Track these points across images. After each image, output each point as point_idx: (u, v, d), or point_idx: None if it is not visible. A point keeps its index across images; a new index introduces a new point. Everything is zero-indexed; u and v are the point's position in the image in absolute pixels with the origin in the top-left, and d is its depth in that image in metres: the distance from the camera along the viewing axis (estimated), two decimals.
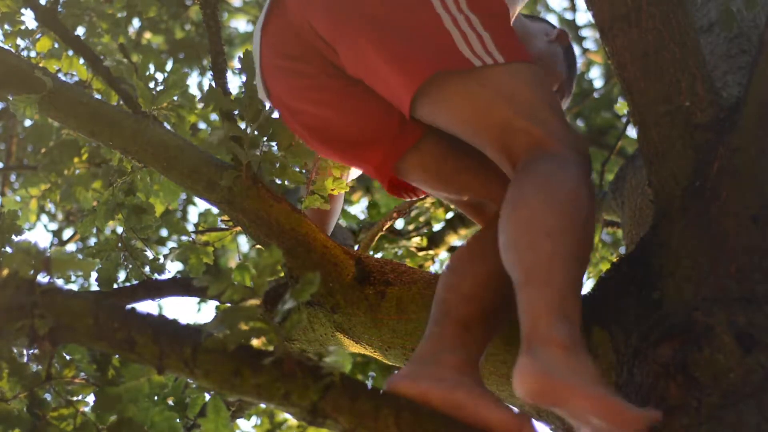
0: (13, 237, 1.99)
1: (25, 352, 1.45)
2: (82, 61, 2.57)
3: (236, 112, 1.82)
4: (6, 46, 2.31)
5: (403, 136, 1.75)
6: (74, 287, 3.50)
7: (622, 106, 3.14)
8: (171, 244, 4.74)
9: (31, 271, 1.23)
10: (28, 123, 3.95)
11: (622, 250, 3.25)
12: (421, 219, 3.70)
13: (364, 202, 4.60)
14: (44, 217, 4.62)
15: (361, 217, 4.18)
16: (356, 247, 2.69)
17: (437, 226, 3.73)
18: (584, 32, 5.90)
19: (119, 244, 2.24)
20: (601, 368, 1.51)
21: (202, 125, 4.06)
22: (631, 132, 4.05)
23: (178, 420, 1.56)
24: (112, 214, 2.21)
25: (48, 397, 1.53)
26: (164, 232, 4.67)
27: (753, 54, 1.76)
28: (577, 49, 6.03)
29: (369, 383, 1.29)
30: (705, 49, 2.06)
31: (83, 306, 1.25)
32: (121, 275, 2.32)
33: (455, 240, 3.75)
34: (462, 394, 1.35)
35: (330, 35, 1.74)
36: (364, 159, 1.81)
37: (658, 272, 1.50)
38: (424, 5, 1.67)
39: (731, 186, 1.48)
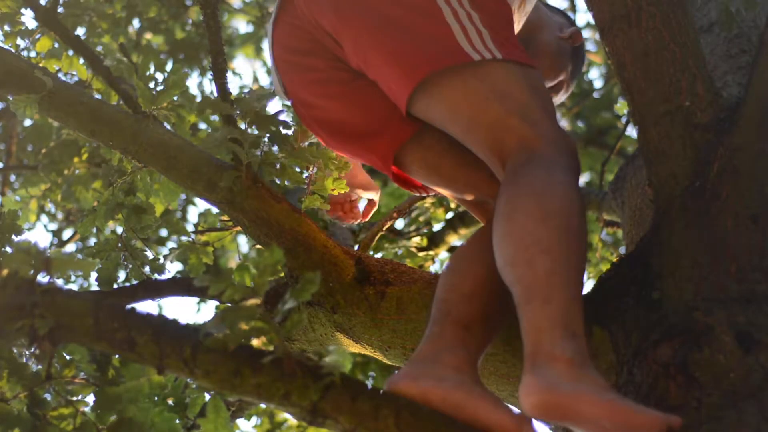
0: (13, 237, 1.99)
1: (25, 352, 1.45)
2: (82, 61, 2.57)
3: (237, 113, 1.82)
4: (6, 46, 2.30)
5: (405, 126, 1.77)
6: (74, 287, 3.50)
7: (622, 106, 3.14)
8: (171, 244, 4.74)
9: (31, 271, 1.23)
10: (28, 123, 3.95)
11: (622, 250, 3.25)
12: (421, 219, 3.71)
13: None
14: (44, 217, 4.62)
15: None
16: (356, 247, 2.69)
17: (437, 226, 3.73)
18: (584, 33, 5.90)
19: (119, 244, 2.24)
20: (601, 368, 1.51)
21: (202, 125, 4.06)
22: (631, 132, 4.05)
23: (178, 420, 1.56)
24: (112, 214, 2.21)
25: (48, 397, 1.52)
26: (164, 232, 4.67)
27: (753, 54, 1.76)
28: None
29: (369, 383, 1.28)
30: (705, 49, 2.06)
31: (83, 306, 1.25)
32: (121, 275, 2.32)
33: (455, 240, 3.75)
34: (462, 394, 1.35)
35: (334, 30, 1.77)
36: (370, 149, 1.83)
37: (658, 272, 1.50)
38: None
39: (731, 186, 1.48)
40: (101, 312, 1.25)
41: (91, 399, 1.53)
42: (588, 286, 4.60)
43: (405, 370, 1.42)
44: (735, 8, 2.14)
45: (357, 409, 1.24)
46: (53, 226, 4.94)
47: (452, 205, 3.79)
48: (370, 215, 2.23)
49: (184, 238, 2.38)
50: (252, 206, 1.87)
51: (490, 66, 1.61)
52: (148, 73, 2.07)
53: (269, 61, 1.95)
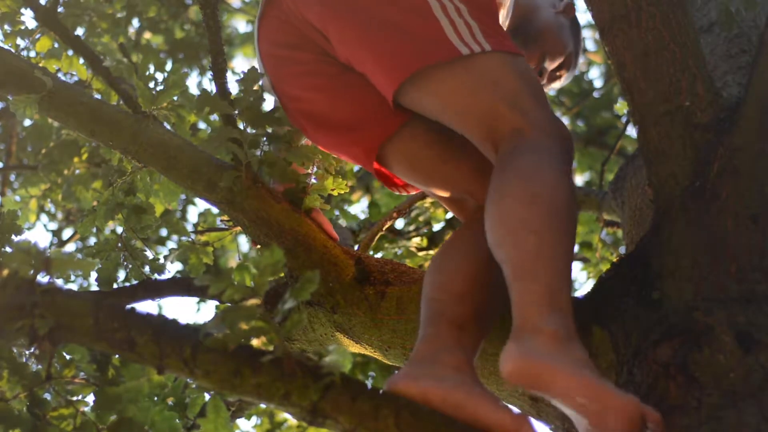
0: (13, 237, 1.99)
1: (25, 352, 1.45)
2: (82, 61, 2.57)
3: (236, 113, 1.82)
4: (6, 46, 2.30)
5: (390, 120, 1.78)
6: (74, 287, 3.51)
7: (622, 106, 3.14)
8: (171, 244, 4.74)
9: (31, 271, 1.23)
10: (28, 123, 3.95)
11: (622, 250, 3.25)
12: (421, 219, 3.70)
13: (364, 202, 4.60)
14: (44, 217, 4.62)
15: (361, 217, 4.18)
16: (356, 247, 2.69)
17: (437, 226, 3.73)
18: (584, 33, 5.90)
19: (119, 244, 2.24)
20: (602, 368, 1.51)
21: (202, 125, 4.06)
22: (631, 132, 4.05)
23: (178, 420, 1.56)
24: (112, 214, 2.21)
25: (48, 397, 1.53)
26: (164, 232, 4.67)
27: (753, 54, 1.76)
28: None
29: (369, 383, 1.28)
30: (705, 49, 2.06)
31: (83, 306, 1.25)
32: (121, 275, 2.32)
33: None
34: (462, 394, 1.35)
35: (321, 24, 1.78)
36: (355, 142, 1.83)
37: (658, 272, 1.50)
38: None
39: (731, 186, 1.48)
40: (101, 312, 1.24)
41: (91, 399, 1.53)
42: (588, 286, 4.60)
43: (405, 371, 1.42)
44: (735, 8, 2.14)
45: (357, 409, 1.24)
46: (53, 226, 4.95)
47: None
48: None
49: (184, 238, 2.38)
50: (252, 206, 1.87)
51: (480, 58, 1.63)
52: (147, 73, 2.07)
53: (256, 57, 1.95)
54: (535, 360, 1.31)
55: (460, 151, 1.77)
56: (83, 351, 1.50)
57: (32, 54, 2.48)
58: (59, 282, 1.27)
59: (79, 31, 3.01)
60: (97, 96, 2.44)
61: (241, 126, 1.84)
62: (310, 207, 1.94)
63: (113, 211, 2.21)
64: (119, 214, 2.22)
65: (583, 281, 5.40)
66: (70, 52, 2.55)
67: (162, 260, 2.28)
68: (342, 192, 2.01)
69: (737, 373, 1.30)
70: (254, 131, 1.81)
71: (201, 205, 5.39)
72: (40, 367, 1.46)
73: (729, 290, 1.40)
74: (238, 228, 2.13)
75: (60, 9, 2.59)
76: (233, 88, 3.22)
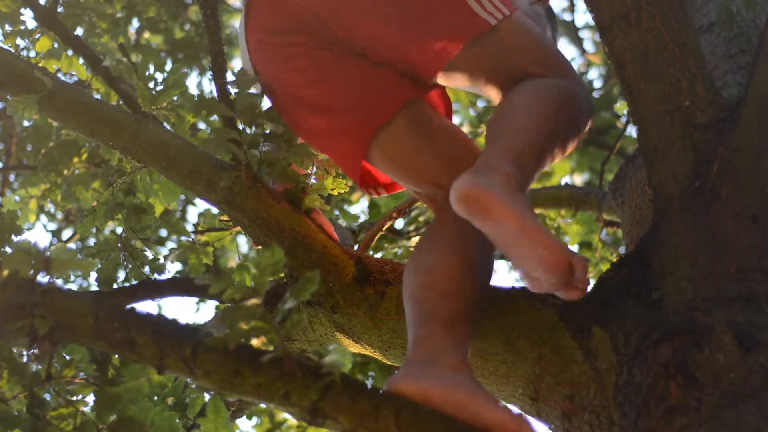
0: (13, 237, 1.99)
1: (25, 352, 1.45)
2: (81, 61, 2.57)
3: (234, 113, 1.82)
4: (6, 46, 2.30)
5: (380, 111, 1.77)
6: (74, 287, 3.50)
7: (622, 106, 3.14)
8: (171, 244, 4.74)
9: (31, 271, 1.23)
10: (27, 123, 3.95)
11: (622, 250, 3.25)
12: (421, 219, 3.70)
13: (364, 202, 4.60)
14: (44, 217, 4.62)
15: (361, 217, 4.18)
16: (356, 247, 2.69)
17: None
18: (584, 32, 5.91)
19: (119, 244, 2.24)
20: (602, 368, 1.51)
21: (202, 125, 4.06)
22: (631, 132, 4.05)
23: (178, 420, 1.56)
24: (112, 214, 2.21)
25: (48, 397, 1.53)
26: (164, 232, 4.67)
27: (753, 54, 1.76)
28: (575, 50, 6.04)
29: (369, 383, 1.28)
30: (705, 49, 2.06)
31: (83, 306, 1.25)
32: (121, 275, 2.32)
33: None
34: (462, 394, 1.35)
35: (332, 11, 1.76)
36: (344, 129, 1.80)
37: (658, 272, 1.50)
38: None
39: (731, 186, 1.48)
40: (101, 312, 1.24)
41: (91, 399, 1.53)
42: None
43: (404, 371, 1.42)
44: (735, 8, 2.14)
45: (357, 409, 1.24)
46: (53, 226, 4.94)
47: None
48: None
49: (184, 238, 2.38)
50: (252, 206, 1.87)
51: (503, 25, 1.71)
52: (147, 73, 2.07)
53: (241, 43, 1.92)
54: (485, 190, 1.40)
55: (438, 143, 1.77)
56: (83, 351, 1.50)
57: (32, 54, 2.48)
58: (59, 282, 1.27)
59: (79, 31, 3.00)
60: (97, 96, 2.45)
61: (240, 126, 1.84)
62: (309, 207, 1.94)
63: (113, 211, 2.21)
64: (119, 214, 2.22)
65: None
66: (70, 52, 2.55)
67: (162, 260, 2.28)
68: (342, 192, 2.01)
69: (737, 373, 1.30)
70: (253, 131, 1.81)
71: (201, 205, 5.40)
72: (40, 367, 1.46)
73: (729, 290, 1.40)
74: (238, 228, 2.13)
75: (60, 9, 2.59)
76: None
